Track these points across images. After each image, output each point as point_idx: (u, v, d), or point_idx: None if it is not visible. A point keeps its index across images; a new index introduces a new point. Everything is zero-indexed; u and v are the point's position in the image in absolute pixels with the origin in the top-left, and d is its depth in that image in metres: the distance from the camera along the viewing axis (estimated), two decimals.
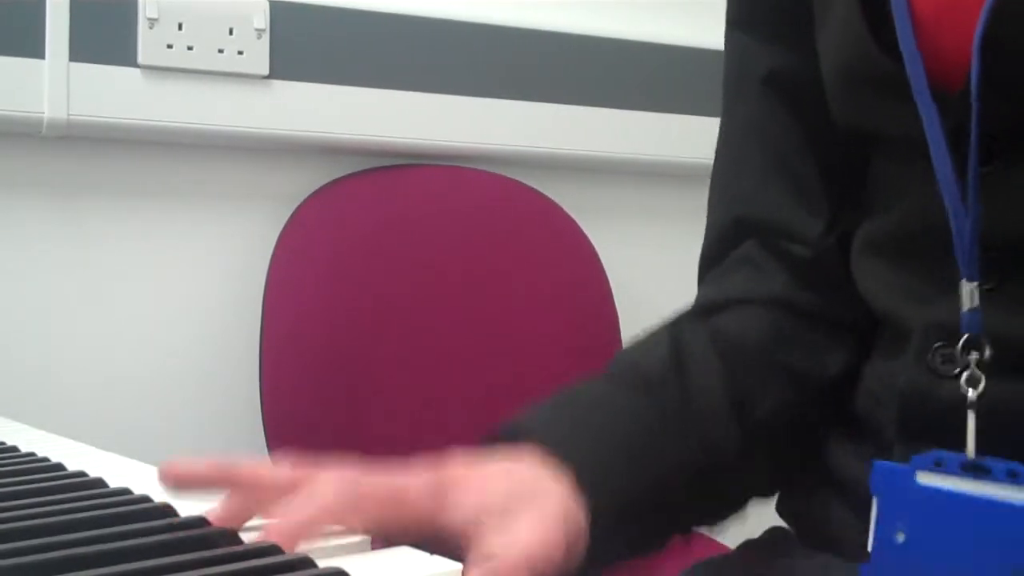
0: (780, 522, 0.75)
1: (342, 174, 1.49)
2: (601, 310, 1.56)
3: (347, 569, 0.43)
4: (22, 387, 1.33)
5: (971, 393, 0.58)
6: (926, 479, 0.57)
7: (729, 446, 0.66)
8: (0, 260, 1.34)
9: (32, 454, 0.69)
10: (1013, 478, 0.55)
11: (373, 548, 0.51)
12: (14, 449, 0.73)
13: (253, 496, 0.53)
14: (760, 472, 0.69)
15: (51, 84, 1.30)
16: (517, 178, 1.57)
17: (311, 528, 0.50)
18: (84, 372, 1.37)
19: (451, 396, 1.46)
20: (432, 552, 0.52)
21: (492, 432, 0.64)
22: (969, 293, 0.57)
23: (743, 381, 0.68)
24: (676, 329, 0.73)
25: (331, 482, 0.52)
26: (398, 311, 1.46)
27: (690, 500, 0.65)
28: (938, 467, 0.57)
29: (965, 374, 0.58)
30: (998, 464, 0.55)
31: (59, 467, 0.64)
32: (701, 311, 0.75)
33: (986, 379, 0.57)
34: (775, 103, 0.74)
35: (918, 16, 0.58)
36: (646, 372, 0.69)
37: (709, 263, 0.78)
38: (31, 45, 1.29)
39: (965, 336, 0.58)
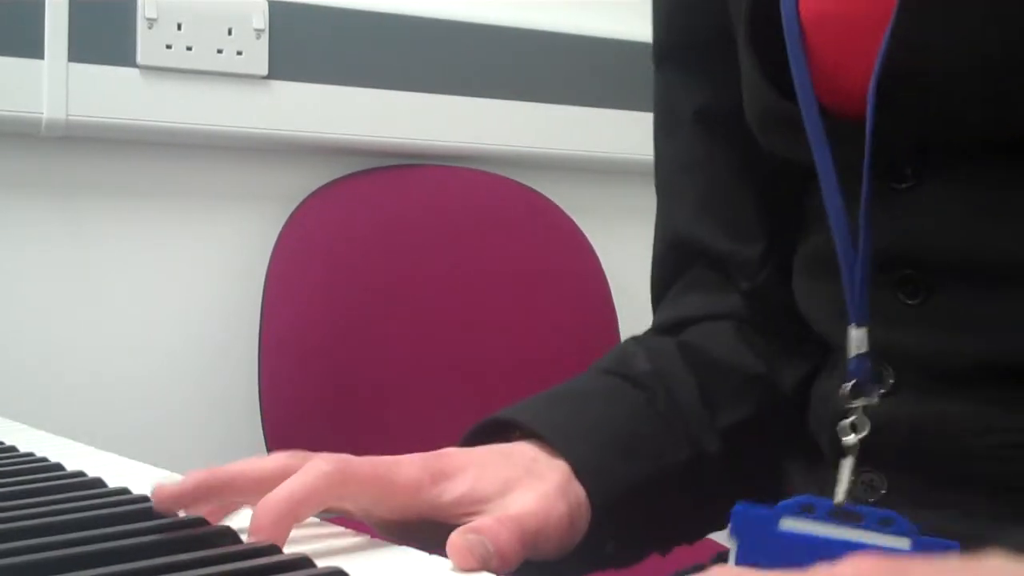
0: None
1: (341, 174, 1.49)
2: (600, 310, 1.56)
3: (346, 569, 0.43)
4: (21, 386, 1.33)
5: (851, 439, 0.58)
6: (789, 524, 0.56)
7: (712, 448, 0.66)
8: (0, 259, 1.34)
9: (31, 454, 0.69)
10: (885, 525, 0.54)
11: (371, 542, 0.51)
12: (13, 449, 0.73)
13: (243, 496, 0.53)
14: (734, 482, 0.69)
15: (50, 84, 1.30)
16: (516, 178, 1.57)
17: (297, 508, 0.49)
18: (83, 372, 1.37)
19: (450, 395, 1.46)
20: (425, 541, 0.52)
21: (480, 426, 0.64)
22: (857, 339, 0.58)
23: (712, 389, 0.68)
24: (643, 341, 0.73)
25: (319, 464, 0.52)
26: (396, 310, 1.46)
27: (685, 498, 0.65)
28: (805, 512, 0.56)
29: (849, 419, 0.58)
30: (872, 512, 0.55)
31: (58, 467, 0.64)
32: (662, 330, 0.75)
33: (907, 393, 0.57)
34: (705, 138, 0.74)
35: (817, 60, 0.59)
36: (630, 371, 0.69)
37: (661, 287, 0.78)
38: (30, 45, 1.29)
39: (852, 382, 0.58)
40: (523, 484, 0.57)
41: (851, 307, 0.58)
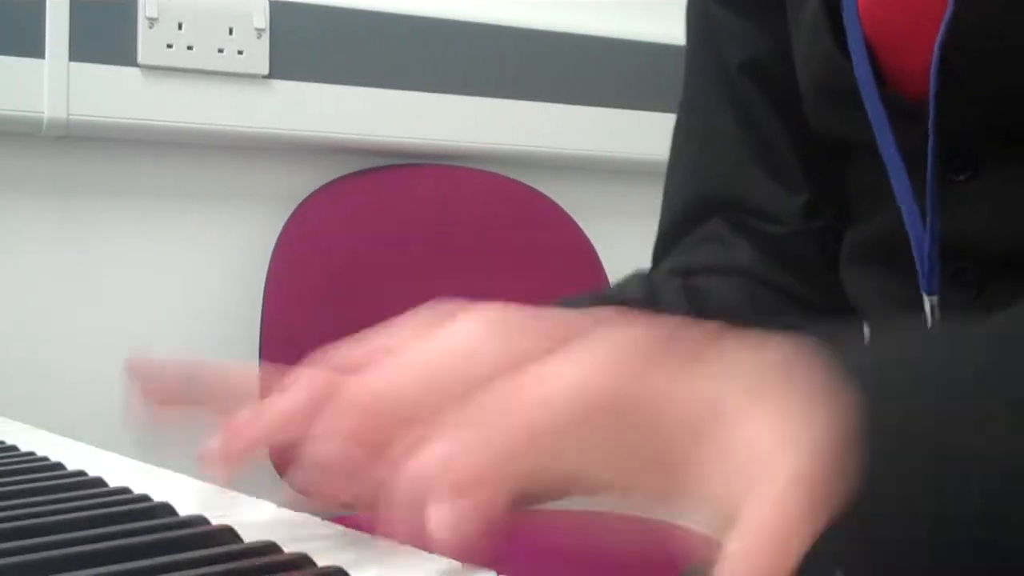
0: None
1: (342, 174, 1.49)
2: None
3: (346, 568, 0.43)
4: (21, 386, 1.33)
5: None
6: None
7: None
8: (0, 259, 1.34)
9: (31, 453, 0.69)
10: None
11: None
12: (13, 448, 0.73)
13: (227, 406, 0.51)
14: None
15: (51, 84, 1.30)
16: (516, 177, 1.57)
17: (271, 431, 0.48)
18: (83, 371, 1.37)
19: None
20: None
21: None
22: (931, 308, 0.57)
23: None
24: (646, 277, 0.71)
25: (307, 378, 0.50)
26: (397, 310, 1.45)
27: None
28: None
29: None
30: None
31: (58, 466, 0.64)
32: (670, 273, 0.72)
33: None
34: (751, 88, 0.71)
35: (876, 31, 0.58)
36: (621, 297, 0.68)
37: (668, 241, 0.75)
38: (31, 45, 1.29)
39: None
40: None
41: (924, 280, 0.57)
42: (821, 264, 0.69)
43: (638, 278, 0.71)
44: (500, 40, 1.55)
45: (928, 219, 0.56)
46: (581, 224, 1.58)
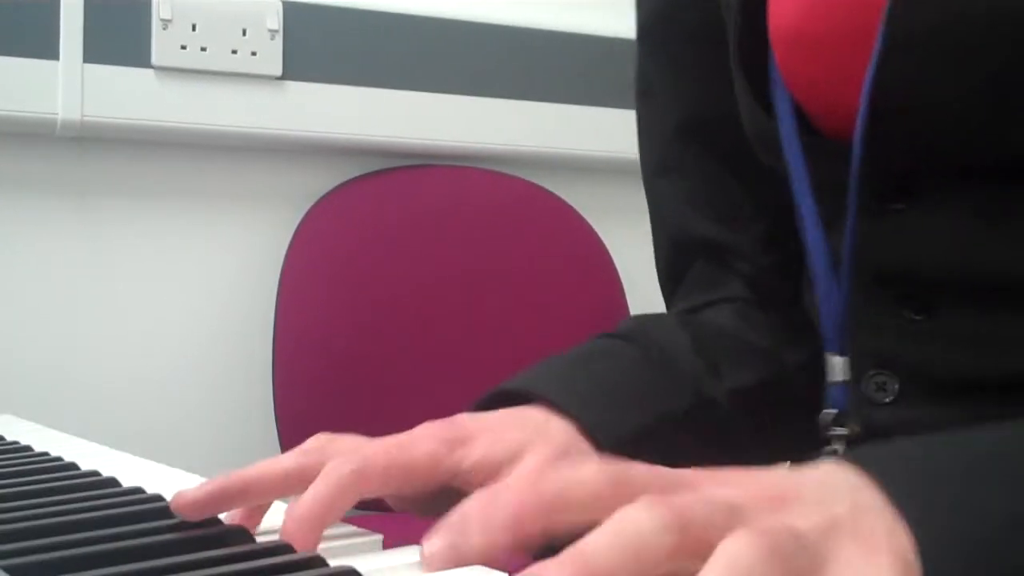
0: None
1: (355, 175, 1.49)
2: (613, 310, 1.56)
3: (358, 568, 0.43)
4: (36, 386, 1.34)
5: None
6: None
7: (715, 394, 0.66)
8: (15, 260, 1.35)
9: (46, 453, 0.70)
10: None
11: (386, 544, 0.51)
12: (28, 448, 0.73)
13: (264, 498, 0.53)
14: (747, 434, 0.68)
15: (65, 85, 1.31)
16: (529, 178, 1.57)
17: (325, 516, 0.49)
18: (96, 371, 1.38)
19: (463, 394, 1.46)
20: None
21: (486, 399, 0.64)
22: (839, 366, 0.59)
23: (713, 352, 0.68)
24: (638, 317, 0.74)
25: (337, 468, 0.52)
26: (410, 311, 1.46)
27: (691, 442, 0.65)
28: None
29: (832, 448, 0.59)
30: None
31: (72, 466, 0.64)
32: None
33: (909, 401, 0.58)
34: (688, 146, 0.74)
35: (795, 82, 0.59)
36: (625, 332, 0.69)
37: (669, 289, 0.79)
38: (45, 46, 1.30)
39: (835, 412, 0.59)
40: (533, 447, 0.57)
41: (829, 339, 0.59)
42: (784, 293, 0.71)
43: (634, 318, 0.74)
44: (512, 41, 1.55)
45: (843, 275, 0.58)
46: (593, 224, 1.58)
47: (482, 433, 0.57)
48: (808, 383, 0.68)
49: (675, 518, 0.35)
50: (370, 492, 0.52)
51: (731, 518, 0.36)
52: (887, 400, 0.59)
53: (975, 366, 0.56)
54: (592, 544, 0.35)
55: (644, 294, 1.58)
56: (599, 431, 0.59)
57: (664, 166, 0.76)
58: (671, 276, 0.78)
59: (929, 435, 0.42)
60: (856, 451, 0.41)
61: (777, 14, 0.60)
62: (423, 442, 0.55)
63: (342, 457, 0.53)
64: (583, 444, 0.59)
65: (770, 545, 0.34)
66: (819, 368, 0.69)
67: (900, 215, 0.58)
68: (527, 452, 0.56)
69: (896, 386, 0.59)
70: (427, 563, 0.38)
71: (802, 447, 0.68)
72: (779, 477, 0.40)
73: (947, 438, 0.43)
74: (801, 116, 0.60)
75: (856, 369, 0.61)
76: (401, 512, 0.58)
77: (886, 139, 0.56)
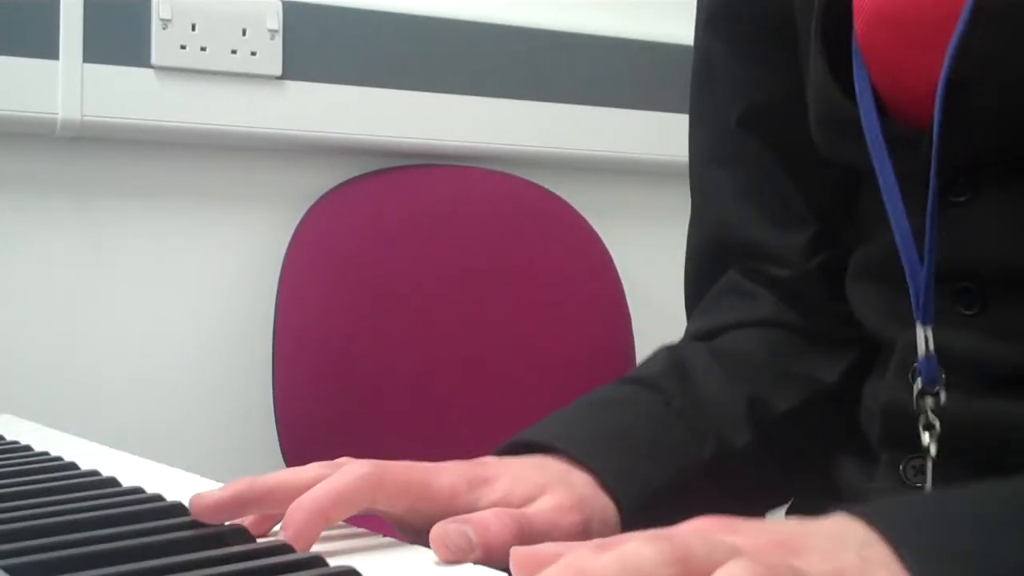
0: None
1: (355, 174, 1.49)
2: (614, 310, 1.56)
3: (359, 568, 0.43)
4: (35, 386, 1.34)
5: (926, 438, 0.59)
6: None
7: (739, 442, 0.66)
8: (15, 260, 1.35)
9: (46, 453, 0.70)
10: None
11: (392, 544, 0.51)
12: (28, 448, 0.73)
13: (282, 507, 0.52)
14: (772, 474, 0.69)
15: (65, 85, 1.31)
16: (529, 178, 1.57)
17: (329, 509, 0.49)
18: (96, 371, 1.37)
19: (463, 395, 1.46)
20: None
21: (507, 445, 0.64)
22: (923, 338, 0.58)
23: (751, 384, 0.68)
24: (673, 349, 0.73)
25: (354, 467, 0.52)
26: (411, 311, 1.46)
27: (711, 495, 0.65)
28: None
29: (926, 420, 0.59)
30: None
31: (72, 466, 0.64)
32: (695, 338, 0.75)
33: (957, 392, 0.58)
34: (750, 136, 0.73)
35: (875, 63, 0.59)
36: (647, 377, 0.69)
37: (695, 290, 0.78)
38: (45, 46, 1.30)
39: (921, 385, 0.59)
40: (552, 490, 0.57)
41: (918, 311, 0.58)
42: (826, 298, 0.71)
43: (665, 352, 0.72)
44: (513, 41, 1.55)
45: (927, 249, 0.57)
46: (594, 225, 1.58)
47: (504, 475, 0.57)
48: (849, 393, 0.68)
49: (676, 552, 0.36)
50: (382, 502, 0.52)
51: (733, 556, 0.36)
52: (934, 391, 0.59)
53: (1020, 360, 0.56)
54: (598, 565, 0.35)
55: (645, 295, 1.58)
56: (618, 486, 0.59)
57: (721, 155, 0.75)
58: (699, 280, 0.77)
59: (940, 490, 0.43)
60: (865, 505, 0.41)
61: None
62: (446, 474, 0.55)
63: (364, 461, 0.53)
64: (602, 496, 0.59)
65: (768, 574, 0.34)
66: (860, 371, 0.69)
67: (958, 208, 0.58)
68: (546, 494, 0.56)
69: (942, 376, 0.59)
70: None
71: (844, 466, 0.68)
72: (789, 527, 0.41)
73: (958, 493, 0.44)
74: (878, 100, 0.59)
75: (904, 358, 0.61)
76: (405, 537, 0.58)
77: (962, 120, 0.55)
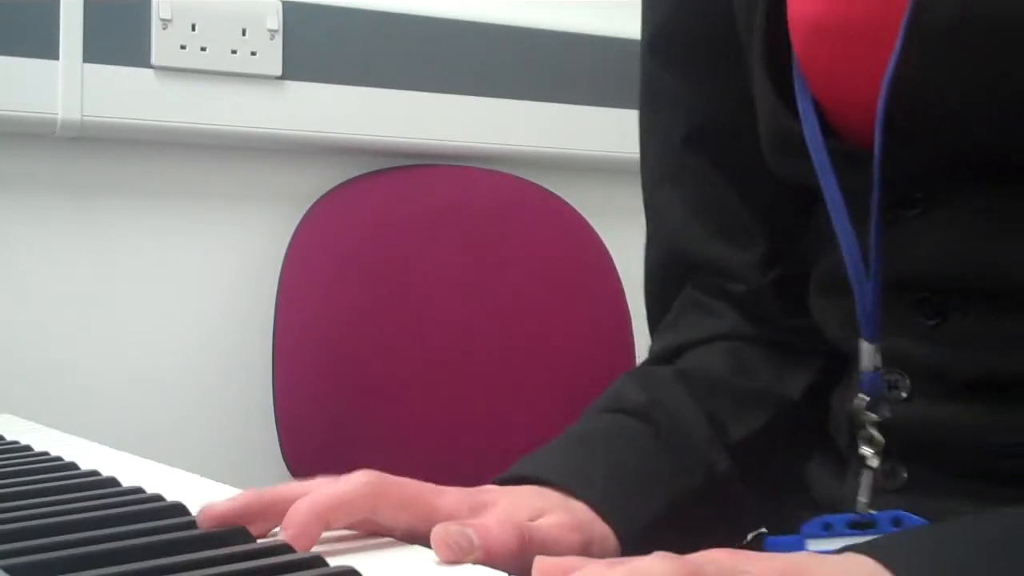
0: None
1: (355, 175, 1.49)
2: (612, 309, 1.56)
3: (358, 568, 0.43)
4: (35, 386, 1.34)
5: (869, 452, 0.60)
6: (815, 545, 0.59)
7: (721, 467, 0.66)
8: (14, 260, 1.35)
9: (45, 453, 0.70)
10: (896, 525, 0.57)
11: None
12: (28, 448, 0.73)
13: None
14: (751, 497, 0.69)
15: (65, 85, 1.30)
16: (529, 178, 1.57)
17: (328, 513, 0.49)
18: (96, 371, 1.37)
19: (463, 395, 1.46)
20: None
21: (503, 478, 0.64)
22: (869, 355, 0.59)
23: (715, 408, 0.69)
24: (639, 377, 0.73)
25: (359, 475, 0.52)
26: (411, 310, 1.46)
27: (704, 520, 0.66)
28: (827, 531, 0.60)
29: (867, 433, 0.60)
30: (882, 516, 0.58)
31: (72, 466, 0.64)
32: (657, 360, 0.75)
33: (921, 399, 0.59)
34: (697, 156, 0.73)
35: (818, 87, 0.59)
36: (627, 405, 0.69)
37: (656, 307, 0.78)
38: (45, 46, 1.30)
39: (868, 399, 0.60)
40: (553, 512, 0.58)
41: (863, 327, 0.59)
42: (785, 312, 0.71)
43: (634, 380, 0.72)
44: (513, 41, 1.55)
45: (872, 266, 0.58)
46: (594, 224, 1.58)
47: (504, 499, 0.58)
48: (815, 403, 0.68)
49: (689, 568, 0.36)
50: (383, 513, 0.52)
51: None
52: (901, 397, 0.60)
53: (987, 368, 0.57)
54: (615, 573, 0.36)
55: (643, 293, 1.57)
56: (616, 518, 0.60)
57: (669, 175, 0.76)
58: (659, 298, 0.78)
59: (942, 523, 0.44)
60: (872, 541, 0.43)
61: (798, 2, 0.60)
62: (449, 495, 0.55)
63: (369, 471, 0.53)
64: (601, 523, 0.60)
65: None
66: (825, 383, 0.69)
67: (914, 221, 0.58)
68: (548, 515, 0.57)
69: (908, 383, 0.59)
70: None
71: (822, 476, 0.69)
72: (798, 558, 0.42)
73: (959, 526, 0.45)
74: (821, 118, 0.60)
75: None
76: None
77: (903, 139, 0.56)
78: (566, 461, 0.64)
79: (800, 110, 0.60)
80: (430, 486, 0.55)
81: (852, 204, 0.59)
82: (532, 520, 0.56)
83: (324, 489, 0.51)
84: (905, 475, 0.60)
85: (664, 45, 0.75)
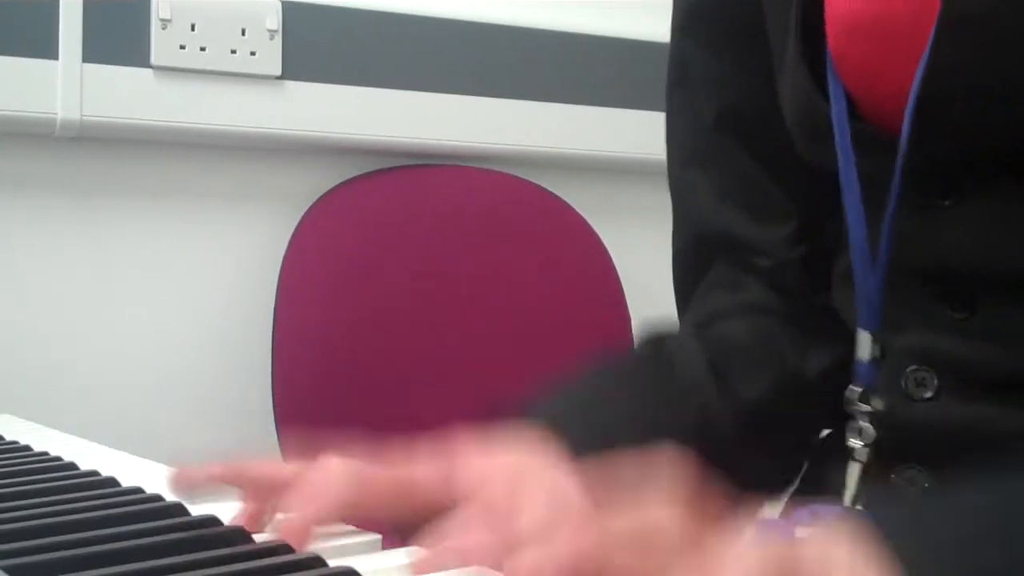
0: None
1: (354, 174, 1.49)
2: (612, 309, 1.56)
3: (357, 568, 0.43)
4: (35, 386, 1.34)
5: (858, 444, 0.60)
6: (803, 533, 0.59)
7: (722, 421, 0.66)
8: (14, 260, 1.35)
9: (45, 453, 0.70)
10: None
11: (385, 544, 0.51)
12: (27, 448, 0.73)
13: (264, 496, 0.53)
14: (757, 458, 0.69)
15: (64, 85, 1.30)
16: (528, 178, 1.57)
17: (319, 524, 0.50)
18: (96, 371, 1.37)
19: (463, 395, 1.46)
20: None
21: (496, 410, 0.64)
22: (867, 344, 0.59)
23: (727, 365, 0.68)
24: (661, 341, 0.73)
25: (337, 476, 0.52)
26: (410, 311, 1.46)
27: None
28: (816, 520, 0.59)
29: (857, 425, 0.60)
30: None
31: (72, 466, 0.64)
32: (686, 328, 0.75)
33: (949, 398, 0.58)
34: (727, 138, 0.73)
35: (848, 70, 0.59)
36: (630, 359, 0.69)
37: (683, 290, 0.78)
38: (44, 46, 1.30)
39: (861, 389, 0.60)
40: (535, 485, 0.56)
41: (863, 316, 0.59)
42: (810, 289, 0.71)
43: (651, 342, 0.72)
44: (513, 41, 1.55)
45: (880, 256, 0.57)
46: (593, 224, 1.58)
47: (482, 469, 0.56)
48: (831, 390, 0.68)
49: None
50: (365, 501, 0.52)
51: None
52: (927, 396, 0.59)
53: (1016, 364, 0.56)
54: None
55: (644, 294, 1.58)
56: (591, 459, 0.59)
57: (697, 156, 0.75)
58: (687, 278, 0.77)
59: (927, 497, 0.43)
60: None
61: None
62: (423, 478, 0.55)
63: (344, 459, 0.53)
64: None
65: None
66: (845, 372, 0.69)
67: (945, 211, 0.57)
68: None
69: (935, 382, 0.59)
70: None
71: (817, 457, 0.68)
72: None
73: (943, 501, 0.45)
74: (852, 104, 0.59)
75: (895, 364, 0.61)
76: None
77: (935, 128, 0.55)
78: (551, 404, 0.64)
79: (831, 94, 0.59)
80: (402, 471, 0.55)
81: (872, 190, 0.58)
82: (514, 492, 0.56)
83: (308, 489, 0.51)
84: (926, 484, 0.59)
85: (697, 25, 0.75)
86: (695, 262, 0.76)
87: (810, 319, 0.71)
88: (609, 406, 0.64)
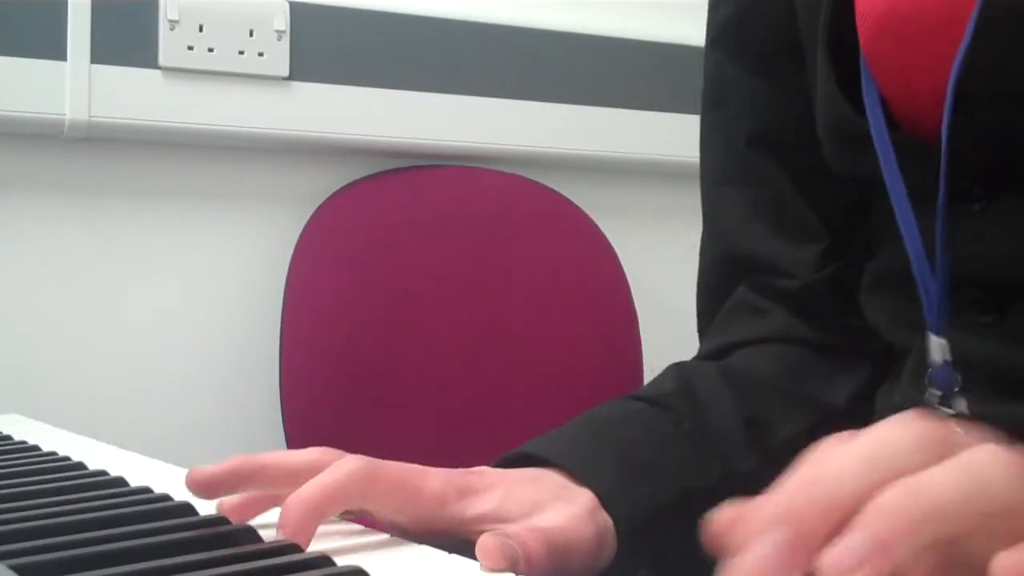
0: None
1: (362, 175, 1.49)
2: (620, 309, 1.56)
3: (366, 567, 0.43)
4: (43, 386, 1.34)
5: None
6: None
7: (745, 467, 0.65)
8: (23, 260, 1.35)
9: (53, 453, 0.70)
10: None
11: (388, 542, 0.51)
12: (35, 448, 0.73)
13: (275, 485, 0.53)
14: None
15: (72, 86, 1.31)
16: (536, 179, 1.57)
17: (324, 504, 0.49)
18: (103, 372, 1.38)
19: (470, 396, 1.46)
20: (448, 551, 0.51)
21: (507, 459, 0.63)
22: (939, 347, 0.58)
23: (757, 406, 0.68)
24: (681, 367, 0.73)
25: (348, 462, 0.52)
26: (417, 311, 1.46)
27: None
28: None
29: None
30: None
31: (80, 466, 0.64)
32: (707, 357, 0.75)
33: (973, 395, 0.58)
34: (760, 157, 0.73)
35: (883, 76, 0.58)
36: (656, 396, 0.68)
37: (707, 308, 0.77)
38: (53, 47, 1.30)
39: (941, 393, 0.59)
40: (552, 506, 0.56)
41: (932, 321, 0.58)
42: (836, 310, 0.71)
43: (674, 370, 0.72)
44: (522, 42, 1.55)
45: (938, 261, 0.57)
46: (601, 225, 1.58)
47: (496, 488, 0.56)
48: (859, 413, 0.67)
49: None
50: (371, 498, 0.52)
51: None
52: (949, 401, 0.59)
53: None
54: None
55: (651, 294, 1.57)
56: (615, 505, 0.58)
57: (731, 175, 0.75)
58: (711, 298, 0.77)
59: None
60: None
61: None
62: (435, 478, 0.55)
63: (358, 456, 0.53)
64: (601, 514, 0.58)
65: None
66: (871, 389, 0.68)
67: (975, 215, 0.57)
68: (545, 510, 0.56)
69: (960, 380, 0.58)
70: None
71: None
72: None
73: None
74: (887, 111, 0.59)
75: (921, 367, 0.60)
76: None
77: (970, 130, 0.55)
78: (572, 444, 0.63)
79: (866, 103, 0.59)
80: (415, 470, 0.55)
81: (913, 198, 0.58)
82: (525, 515, 0.55)
83: (315, 481, 0.51)
84: None
85: (731, 44, 0.75)
86: (721, 280, 0.76)
87: (834, 345, 0.71)
88: (638, 460, 0.63)
